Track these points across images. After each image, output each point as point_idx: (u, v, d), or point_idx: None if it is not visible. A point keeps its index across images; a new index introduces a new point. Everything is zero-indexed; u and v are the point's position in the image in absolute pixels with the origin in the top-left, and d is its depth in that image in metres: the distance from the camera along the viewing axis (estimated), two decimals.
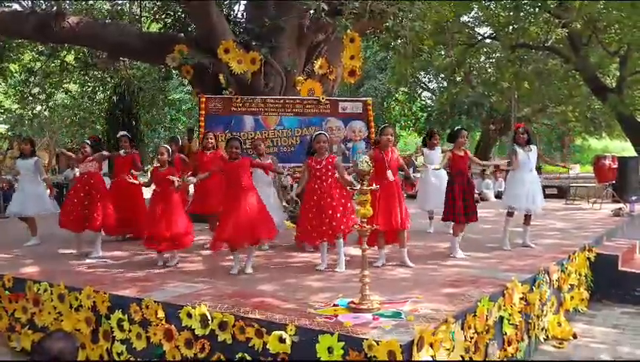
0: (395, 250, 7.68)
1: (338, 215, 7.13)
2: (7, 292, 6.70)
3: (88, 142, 8.86)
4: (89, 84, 20.95)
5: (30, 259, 7.97)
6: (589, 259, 8.56)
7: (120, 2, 17.33)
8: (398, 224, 7.31)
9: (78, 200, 8.48)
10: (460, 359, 4.79)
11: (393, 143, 7.65)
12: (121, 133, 10.12)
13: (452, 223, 8.24)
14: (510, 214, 8.61)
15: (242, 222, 6.94)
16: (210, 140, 9.29)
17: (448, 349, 4.56)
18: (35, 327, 6.37)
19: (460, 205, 7.94)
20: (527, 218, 8.68)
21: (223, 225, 7.10)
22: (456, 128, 8.47)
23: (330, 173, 7.22)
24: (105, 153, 9.08)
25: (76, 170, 8.69)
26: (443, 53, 22.49)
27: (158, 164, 7.82)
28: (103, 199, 8.51)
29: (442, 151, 8.39)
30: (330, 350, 4.30)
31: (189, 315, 5.09)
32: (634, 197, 13.58)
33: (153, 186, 7.99)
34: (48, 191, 9.76)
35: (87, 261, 7.93)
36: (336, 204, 7.15)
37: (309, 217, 7.23)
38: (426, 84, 33.63)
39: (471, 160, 8.33)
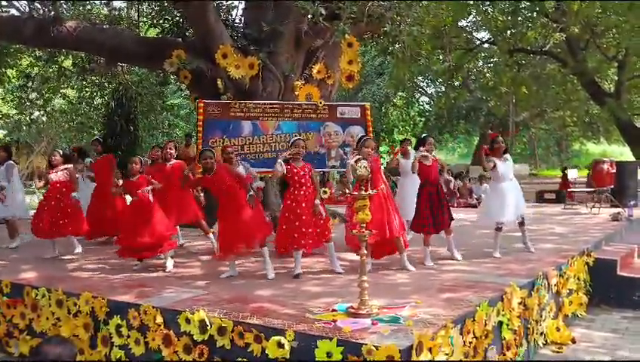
0: (396, 257, 7.67)
1: (321, 221, 7.28)
2: (5, 297, 6.68)
3: (59, 151, 9.11)
4: (87, 89, 20.91)
5: (28, 265, 7.95)
6: (587, 263, 8.55)
7: (118, 7, 17.32)
8: (386, 233, 7.23)
9: (49, 208, 8.65)
10: None
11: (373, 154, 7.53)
12: (95, 137, 10.31)
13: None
14: (499, 229, 8.46)
15: (238, 229, 6.96)
16: (169, 151, 9.31)
17: (447, 354, 4.55)
18: (33, 333, 6.35)
19: (428, 214, 7.85)
20: (521, 224, 8.65)
21: (224, 237, 7.11)
22: (423, 136, 8.41)
23: (309, 180, 7.31)
24: (72, 167, 9.11)
25: (50, 176, 8.74)
26: (441, 57, 22.52)
27: (130, 175, 7.82)
28: (73, 206, 8.70)
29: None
30: (329, 355, 4.29)
31: (188, 321, 5.08)
32: (632, 202, 13.60)
33: None
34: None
35: (74, 254, 8.18)
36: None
37: (296, 225, 7.14)
38: (424, 89, 33.72)
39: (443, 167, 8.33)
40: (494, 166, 8.24)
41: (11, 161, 9.92)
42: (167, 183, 8.72)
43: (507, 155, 8.43)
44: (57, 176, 8.74)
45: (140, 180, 7.70)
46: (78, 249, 8.76)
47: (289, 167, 7.29)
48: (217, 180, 7.11)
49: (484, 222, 8.95)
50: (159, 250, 7.61)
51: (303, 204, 7.16)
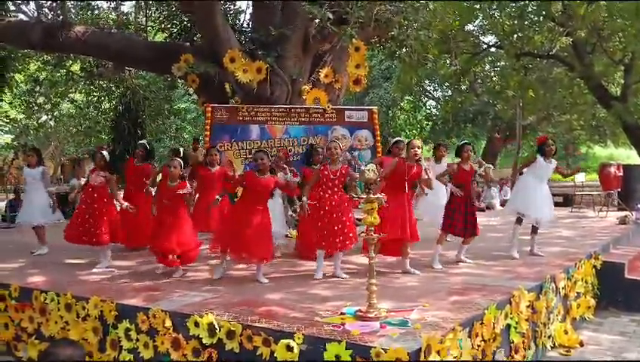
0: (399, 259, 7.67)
1: (348, 223, 7.20)
2: (13, 301, 6.70)
3: (105, 154, 8.57)
4: (94, 93, 21.01)
5: (36, 269, 7.97)
6: (595, 266, 8.55)
7: (126, 12, 17.42)
8: (409, 235, 7.31)
9: (81, 213, 8.36)
10: None
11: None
12: (141, 142, 10.05)
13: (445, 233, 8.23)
14: (519, 221, 8.58)
15: (242, 239, 6.92)
16: (214, 156, 9.07)
17: (456, 357, 4.56)
18: (41, 337, 6.37)
19: (458, 217, 7.97)
20: (535, 228, 8.66)
21: (224, 233, 7.15)
22: (462, 142, 8.44)
23: (342, 185, 7.26)
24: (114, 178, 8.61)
25: (82, 179, 8.58)
26: (448, 61, 22.52)
27: (170, 179, 7.60)
28: (108, 213, 8.34)
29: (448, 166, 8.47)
30: (337, 358, 4.30)
31: (197, 324, 5.10)
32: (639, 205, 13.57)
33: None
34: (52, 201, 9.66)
35: (94, 270, 7.92)
36: (347, 214, 7.25)
37: (320, 227, 7.17)
38: (431, 93, 33.67)
39: (478, 174, 8.39)
40: (535, 160, 8.45)
41: (46, 167, 9.77)
42: (212, 188, 8.72)
43: (554, 160, 8.49)
44: (94, 179, 8.36)
45: (180, 186, 7.51)
46: (105, 263, 8.21)
47: (322, 167, 7.34)
48: (264, 184, 7.07)
49: (508, 211, 9.09)
50: (184, 261, 7.52)
51: (327, 207, 7.15)
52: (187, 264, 7.65)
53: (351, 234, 7.22)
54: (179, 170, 7.55)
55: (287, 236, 9.57)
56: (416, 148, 7.34)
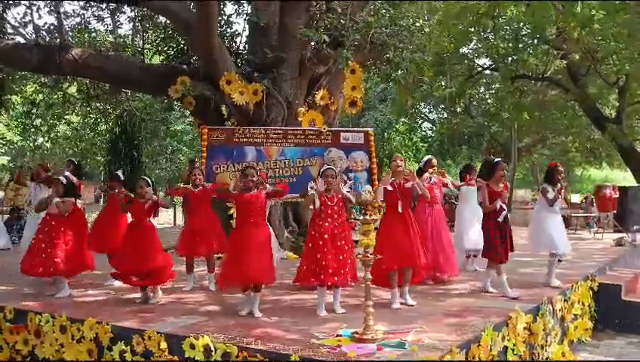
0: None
1: (349, 257, 6.64)
2: (8, 323, 6.66)
3: (63, 180, 8.07)
4: (91, 115, 21.00)
5: (31, 291, 7.93)
6: (592, 288, 8.54)
7: (123, 34, 17.49)
8: (415, 260, 6.86)
9: (37, 243, 7.80)
10: None
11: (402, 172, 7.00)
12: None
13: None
14: (553, 255, 8.07)
15: (244, 263, 6.37)
16: (195, 176, 8.53)
17: None
18: (36, 359, 6.33)
19: (498, 243, 7.41)
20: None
21: (230, 266, 6.58)
22: (495, 160, 7.96)
23: (342, 211, 6.74)
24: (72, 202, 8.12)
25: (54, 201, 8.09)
26: (443, 84, 22.64)
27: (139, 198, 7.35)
28: (61, 241, 7.78)
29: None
30: None
31: (192, 346, 5.07)
32: (636, 227, 13.59)
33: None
34: None
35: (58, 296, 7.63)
36: (350, 242, 6.75)
37: (317, 257, 6.54)
38: (426, 115, 33.80)
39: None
40: (546, 191, 8.08)
41: None
42: (195, 209, 8.38)
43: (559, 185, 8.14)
44: (51, 208, 7.85)
45: (148, 204, 7.31)
46: (65, 292, 7.73)
47: (321, 196, 6.71)
48: (251, 202, 6.62)
49: (540, 248, 8.45)
50: (158, 281, 7.21)
51: (326, 236, 6.54)
52: (159, 284, 7.29)
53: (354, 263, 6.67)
54: (144, 189, 7.33)
55: (283, 259, 9.48)
56: (398, 161, 6.94)
